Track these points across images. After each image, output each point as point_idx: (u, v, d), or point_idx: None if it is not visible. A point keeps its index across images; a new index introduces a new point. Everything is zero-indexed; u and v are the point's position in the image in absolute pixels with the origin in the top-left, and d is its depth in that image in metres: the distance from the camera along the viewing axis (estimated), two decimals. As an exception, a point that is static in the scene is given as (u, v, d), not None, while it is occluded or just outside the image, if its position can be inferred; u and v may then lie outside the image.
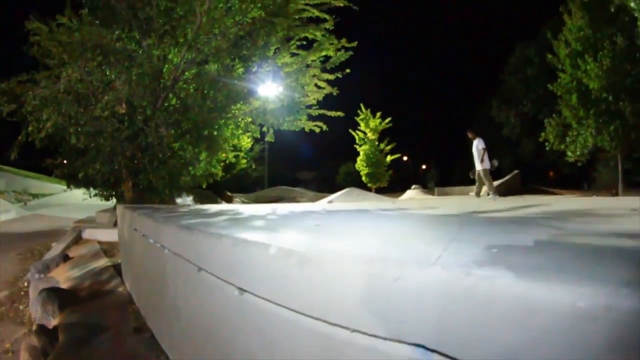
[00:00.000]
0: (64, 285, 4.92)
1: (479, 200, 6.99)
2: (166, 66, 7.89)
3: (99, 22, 7.36)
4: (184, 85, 8.26)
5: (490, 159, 11.17)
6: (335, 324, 1.03)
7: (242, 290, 1.44)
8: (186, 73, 8.00)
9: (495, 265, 0.86)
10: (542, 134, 18.64)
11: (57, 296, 4.13)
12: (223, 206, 5.20)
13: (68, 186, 8.46)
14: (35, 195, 18.13)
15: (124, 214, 4.50)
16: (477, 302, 0.77)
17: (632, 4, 12.49)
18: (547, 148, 18.82)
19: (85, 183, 7.71)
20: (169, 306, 2.44)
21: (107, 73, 7.09)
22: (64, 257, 6.31)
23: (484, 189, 11.14)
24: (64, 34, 7.16)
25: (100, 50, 6.96)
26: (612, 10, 14.68)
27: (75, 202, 11.45)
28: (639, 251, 1.13)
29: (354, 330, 0.98)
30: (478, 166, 11.17)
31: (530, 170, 29.92)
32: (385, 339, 0.92)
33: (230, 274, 1.54)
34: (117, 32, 7.28)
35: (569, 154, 17.11)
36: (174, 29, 7.70)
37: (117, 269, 5.17)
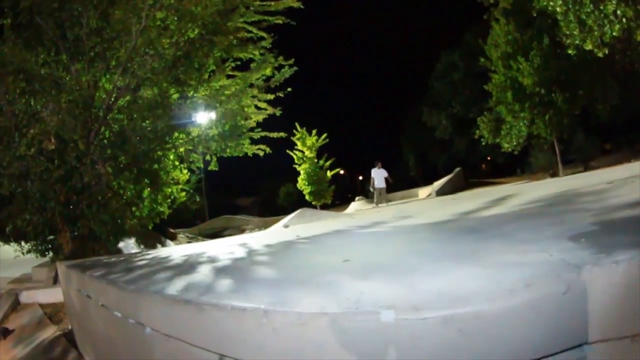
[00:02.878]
0: None
1: (449, 201, 6.90)
2: (98, 94, 7.02)
3: (21, 42, 6.38)
4: (118, 115, 7.41)
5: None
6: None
7: None
8: (120, 100, 7.19)
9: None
10: (477, 131, 19.96)
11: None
12: (191, 249, 4.51)
13: None
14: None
15: (69, 275, 3.66)
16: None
17: (557, 9, 13.66)
18: (483, 143, 20.27)
19: (15, 237, 6.54)
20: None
21: (32, 103, 6.08)
22: (4, 332, 5.17)
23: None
24: None
25: (24, 76, 6.00)
26: (534, 14, 15.89)
27: (4, 257, 10.05)
28: None
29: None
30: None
31: (465, 165, 31.30)
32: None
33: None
34: (42, 56, 6.31)
35: (505, 145, 18.45)
36: (105, 51, 6.88)
37: (68, 338, 4.31)
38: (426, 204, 8.55)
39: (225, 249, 3.84)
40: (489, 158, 36.47)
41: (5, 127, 6.05)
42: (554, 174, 18.66)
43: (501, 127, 18.46)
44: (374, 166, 16.08)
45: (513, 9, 17.94)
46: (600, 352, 0.94)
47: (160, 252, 4.80)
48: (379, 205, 15.38)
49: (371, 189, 16.75)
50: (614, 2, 12.13)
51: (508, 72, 17.38)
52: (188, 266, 2.69)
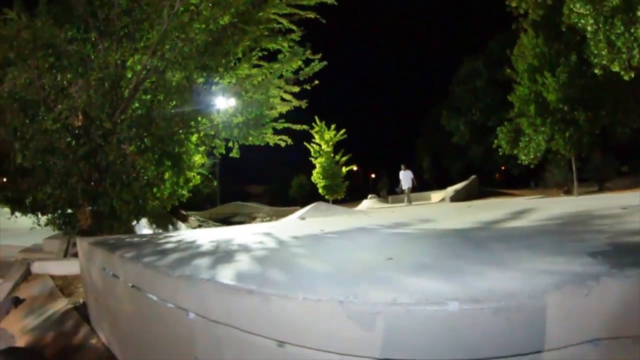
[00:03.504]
0: (22, 340, 3.94)
1: (465, 209, 6.81)
2: (125, 73, 7.00)
3: (52, 17, 6.38)
4: (144, 96, 7.40)
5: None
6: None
7: None
8: (147, 81, 7.17)
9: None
10: (495, 141, 19.74)
11: (18, 360, 3.19)
12: (214, 235, 4.45)
13: (12, 213, 7.19)
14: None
15: (92, 253, 3.61)
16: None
17: (588, 27, 13.55)
18: (500, 153, 19.97)
19: (34, 209, 6.52)
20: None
21: (59, 78, 6.05)
22: (15, 301, 5.15)
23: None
24: (12, 28, 6.10)
25: (53, 51, 5.98)
26: (563, 29, 15.82)
27: (18, 226, 10.08)
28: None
29: None
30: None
31: (479, 173, 31.07)
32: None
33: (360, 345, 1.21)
34: (71, 32, 6.29)
35: (522, 157, 18.24)
36: (134, 32, 6.85)
37: (80, 312, 4.26)
38: (442, 209, 8.47)
39: (251, 237, 3.76)
40: (503, 168, 36.19)
41: (33, 100, 6.06)
42: (568, 191, 18.50)
43: (520, 139, 18.24)
44: (400, 169, 18.40)
45: (542, 21, 17.83)
46: (608, 348, 1.15)
47: (184, 235, 4.73)
48: (409, 203, 17.78)
49: (397, 190, 19.62)
50: None
51: (533, 85, 17.17)
52: (224, 253, 2.63)
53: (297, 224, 6.42)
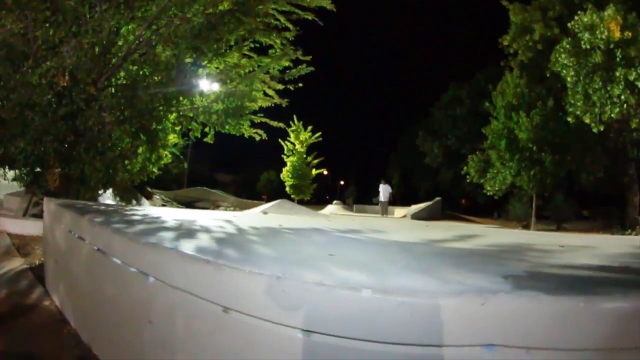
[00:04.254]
0: None
1: (422, 227, 7.16)
2: (118, 41, 7.03)
3: None
4: (132, 67, 7.45)
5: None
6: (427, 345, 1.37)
7: (308, 332, 1.42)
8: (136, 53, 7.23)
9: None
10: (465, 168, 20.73)
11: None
12: (179, 215, 4.63)
13: None
14: None
15: (59, 214, 3.69)
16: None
17: (568, 79, 14.53)
18: (468, 180, 21.04)
19: (2, 162, 6.45)
20: (149, 343, 2.00)
21: (51, 33, 6.02)
22: None
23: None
24: None
25: (51, 4, 5.93)
26: (547, 74, 16.80)
27: None
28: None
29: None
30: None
31: (446, 197, 31.80)
32: (466, 346, 1.34)
33: (292, 317, 1.45)
34: None
35: (488, 187, 19.25)
36: (134, 1, 6.87)
37: (35, 273, 4.30)
38: (399, 224, 8.85)
39: (213, 222, 3.96)
40: (470, 196, 37.18)
41: (23, 52, 6.03)
42: (526, 226, 19.20)
43: (488, 170, 19.13)
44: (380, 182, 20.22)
45: (530, 63, 18.78)
46: (503, 354, 1.32)
47: (149, 211, 4.88)
48: (383, 215, 19.24)
49: (374, 200, 21.76)
50: (620, 86, 12.87)
51: (507, 122, 18.00)
52: (186, 231, 2.85)
53: (258, 217, 6.61)
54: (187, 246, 2.04)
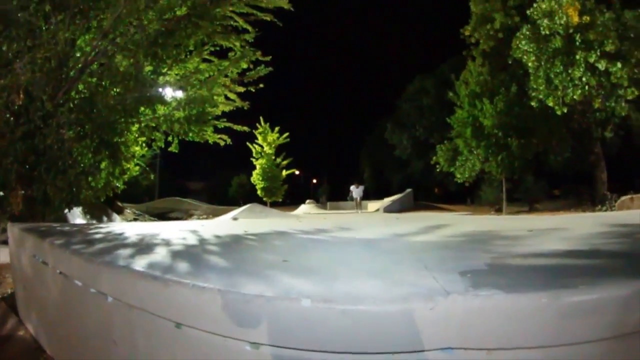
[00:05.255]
0: None
1: (392, 220, 7.33)
2: (74, 53, 6.90)
3: None
4: (90, 79, 7.31)
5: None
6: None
7: (256, 344, 1.44)
8: (95, 64, 7.11)
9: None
10: (434, 157, 21.23)
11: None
12: (144, 229, 4.64)
13: None
14: None
15: (23, 239, 3.66)
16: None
17: (529, 64, 15.02)
18: (437, 170, 21.46)
19: None
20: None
21: (4, 48, 5.85)
22: None
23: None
24: None
25: (3, 18, 5.77)
26: (509, 62, 17.27)
27: None
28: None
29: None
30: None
31: (418, 187, 32.39)
32: (420, 351, 1.31)
33: (238, 330, 1.48)
34: None
35: (458, 175, 19.69)
36: (89, 10, 6.70)
37: (8, 303, 4.19)
38: (370, 219, 9.01)
39: (177, 234, 4.02)
40: (442, 184, 37.89)
41: None
42: (499, 210, 19.88)
43: (457, 158, 19.57)
44: (352, 184, 22.92)
45: (492, 51, 19.28)
46: (464, 356, 1.31)
47: (114, 227, 4.88)
48: (359, 211, 21.35)
49: (348, 199, 24.02)
50: (581, 69, 13.40)
51: (472, 109, 18.37)
52: (145, 246, 2.90)
53: (227, 224, 6.66)
54: (141, 262, 2.12)
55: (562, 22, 13.87)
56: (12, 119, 5.78)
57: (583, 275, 1.61)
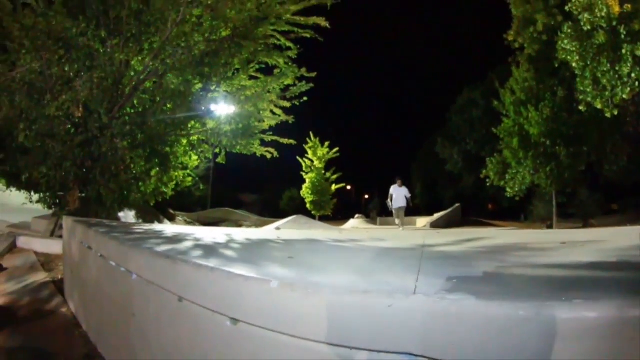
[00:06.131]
0: None
1: (431, 234, 7.27)
2: (127, 72, 7.62)
3: (66, 11, 6.98)
4: (143, 96, 8.01)
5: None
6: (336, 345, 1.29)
7: (235, 320, 1.53)
8: (147, 82, 7.79)
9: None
10: (484, 171, 20.11)
11: (-9, 315, 3.73)
12: (182, 229, 5.06)
13: (7, 187, 7.77)
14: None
15: (74, 229, 4.19)
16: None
17: (574, 64, 13.80)
18: (488, 184, 20.30)
19: (28, 186, 7.15)
20: (134, 335, 2.35)
21: (66, 69, 6.67)
22: None
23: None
24: (29, 17, 6.72)
25: (64, 43, 6.59)
26: (556, 65, 16.19)
27: (9, 203, 10.42)
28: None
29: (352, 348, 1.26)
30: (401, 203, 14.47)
31: (470, 203, 31.42)
32: (380, 351, 1.21)
33: (222, 305, 1.60)
34: (82, 26, 6.84)
35: (508, 189, 18.56)
36: (141, 34, 7.47)
37: (57, 285, 4.77)
38: (408, 233, 8.79)
39: (211, 234, 4.33)
40: (494, 199, 36.52)
41: (41, 87, 6.67)
42: (550, 226, 18.69)
43: (507, 171, 18.55)
44: (394, 182, 14.59)
45: (537, 56, 18.13)
46: None
47: (155, 226, 5.33)
48: (401, 227, 14.05)
49: (387, 204, 14.77)
50: (628, 64, 12.20)
51: (517, 118, 17.56)
52: (174, 239, 3.23)
53: (267, 231, 6.92)
54: (163, 248, 2.42)
55: (604, 14, 12.60)
56: (72, 128, 6.51)
57: (594, 290, 1.37)
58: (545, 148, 16.67)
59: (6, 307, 4.23)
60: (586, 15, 13.12)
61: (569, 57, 14.08)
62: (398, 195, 14.36)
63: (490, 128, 20.24)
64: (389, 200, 14.46)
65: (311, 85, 9.78)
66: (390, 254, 3.05)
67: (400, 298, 1.21)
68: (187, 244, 2.85)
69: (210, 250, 2.63)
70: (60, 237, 7.19)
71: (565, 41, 14.02)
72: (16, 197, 8.50)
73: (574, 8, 13.54)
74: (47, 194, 7.15)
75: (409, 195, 14.51)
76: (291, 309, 1.37)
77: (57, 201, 7.20)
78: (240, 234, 4.92)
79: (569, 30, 13.93)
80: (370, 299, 1.26)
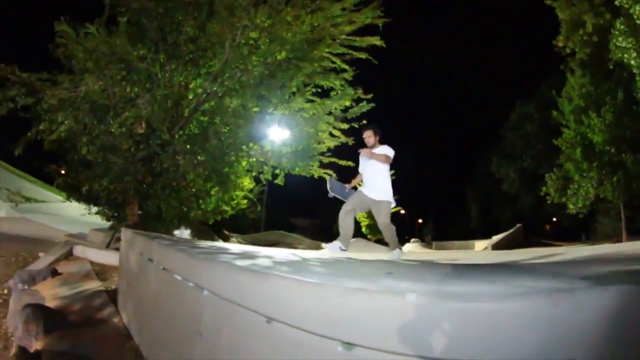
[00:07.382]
0: (51, 303, 4.46)
1: (488, 254, 6.83)
2: (187, 94, 7.78)
3: (127, 37, 7.30)
4: (202, 117, 8.15)
5: None
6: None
7: (349, 344, 1.31)
8: (206, 104, 7.92)
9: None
10: (543, 188, 18.84)
11: (42, 315, 3.69)
12: (244, 247, 4.96)
13: (68, 198, 8.06)
14: (29, 199, 16.91)
15: (133, 240, 4.15)
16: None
17: (632, 62, 12.73)
18: (548, 202, 19.03)
19: (88, 198, 7.36)
20: (199, 356, 2.14)
21: (127, 89, 6.91)
22: (52, 272, 5.81)
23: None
24: (92, 41, 7.07)
25: (125, 65, 6.84)
26: (611, 66, 15.05)
27: (68, 214, 10.84)
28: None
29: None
30: None
31: (529, 223, 29.73)
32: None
33: (332, 327, 1.38)
34: (142, 51, 7.13)
35: (571, 206, 17.27)
36: (198, 58, 7.66)
37: (110, 295, 4.77)
38: (477, 253, 8.46)
39: (277, 252, 4.19)
40: (555, 219, 34.39)
41: (104, 105, 6.98)
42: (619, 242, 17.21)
43: (568, 186, 17.24)
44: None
45: (590, 60, 16.97)
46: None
47: (217, 243, 5.25)
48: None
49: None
50: None
51: (579, 127, 16.33)
52: (245, 255, 3.06)
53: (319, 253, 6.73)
54: (240, 263, 2.20)
55: (658, 2, 11.27)
56: (133, 144, 6.64)
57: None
58: (610, 156, 15.35)
59: (57, 310, 4.23)
60: (637, 8, 11.85)
61: (625, 55, 13.02)
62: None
63: (547, 142, 19.08)
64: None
65: (372, 105, 9.52)
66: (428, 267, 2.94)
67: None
68: (264, 261, 2.64)
69: (296, 266, 2.42)
70: (116, 249, 7.35)
71: (620, 38, 12.92)
72: (75, 208, 8.83)
73: (624, 2, 12.25)
74: (106, 206, 7.39)
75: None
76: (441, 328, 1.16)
77: (116, 214, 7.39)
78: (309, 254, 4.75)
79: (622, 27, 12.77)
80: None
